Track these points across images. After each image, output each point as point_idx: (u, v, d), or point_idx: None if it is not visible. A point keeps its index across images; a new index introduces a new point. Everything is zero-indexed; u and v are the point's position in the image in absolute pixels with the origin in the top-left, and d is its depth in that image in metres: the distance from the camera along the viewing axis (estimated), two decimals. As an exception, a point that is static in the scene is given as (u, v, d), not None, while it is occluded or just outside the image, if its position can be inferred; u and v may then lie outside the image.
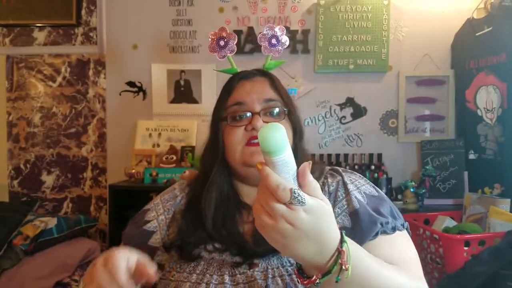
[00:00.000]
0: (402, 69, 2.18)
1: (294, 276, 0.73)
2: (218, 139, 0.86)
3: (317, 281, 0.56)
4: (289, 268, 0.75)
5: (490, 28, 1.87)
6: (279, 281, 0.73)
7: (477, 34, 1.95)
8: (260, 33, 0.96)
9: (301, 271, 0.59)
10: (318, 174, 0.86)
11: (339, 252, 0.55)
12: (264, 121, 0.82)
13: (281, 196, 0.51)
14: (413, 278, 0.67)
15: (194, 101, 2.26)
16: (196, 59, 2.24)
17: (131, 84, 2.27)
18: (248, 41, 2.18)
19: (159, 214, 0.89)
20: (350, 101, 2.22)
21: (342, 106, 2.22)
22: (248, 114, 0.84)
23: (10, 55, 2.29)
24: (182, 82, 2.26)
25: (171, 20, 2.25)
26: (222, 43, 0.95)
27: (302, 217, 0.52)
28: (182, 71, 2.25)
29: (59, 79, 2.29)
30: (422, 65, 2.18)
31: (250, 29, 2.18)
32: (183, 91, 2.26)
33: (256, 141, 0.79)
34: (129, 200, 2.09)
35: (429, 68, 2.18)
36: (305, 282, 0.58)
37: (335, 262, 0.55)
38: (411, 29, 2.17)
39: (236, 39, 0.95)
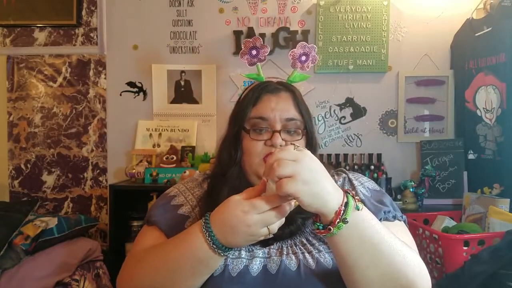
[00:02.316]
0: (402, 70, 2.19)
1: (306, 254, 0.82)
2: (237, 145, 0.92)
3: (341, 215, 0.66)
4: (302, 247, 0.84)
5: (490, 29, 1.88)
6: (293, 258, 0.81)
7: (476, 35, 1.96)
8: (291, 50, 1.00)
9: (319, 226, 0.69)
10: None
11: (347, 191, 0.69)
12: (282, 138, 0.88)
13: (288, 147, 0.69)
14: (410, 248, 0.75)
15: (194, 101, 2.26)
16: (196, 60, 2.24)
17: (131, 84, 2.28)
18: (248, 42, 2.19)
19: (188, 199, 0.94)
20: (349, 101, 2.23)
21: (341, 106, 2.23)
22: (269, 129, 0.89)
23: (11, 55, 2.29)
24: (182, 83, 2.26)
25: (171, 20, 2.25)
26: (254, 52, 1.00)
27: (312, 155, 0.68)
28: (182, 71, 2.25)
29: (60, 79, 2.29)
30: (422, 65, 2.19)
31: (250, 29, 2.19)
32: (183, 92, 2.26)
33: None
34: (130, 200, 2.10)
35: (429, 68, 2.18)
36: (331, 225, 0.67)
37: (347, 197, 0.68)
38: (411, 29, 2.18)
39: (268, 50, 0.98)
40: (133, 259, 0.84)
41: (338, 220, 0.66)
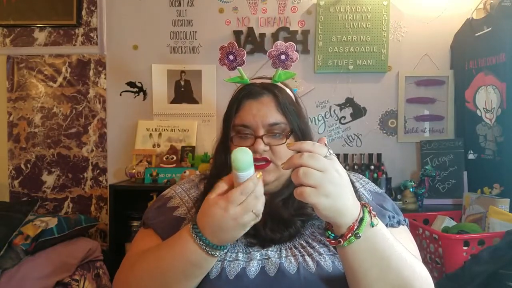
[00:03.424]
0: (402, 70, 2.19)
1: (306, 256, 0.80)
2: (227, 150, 0.91)
3: (355, 230, 0.66)
4: (302, 250, 0.82)
5: (490, 29, 1.88)
6: (292, 260, 0.80)
7: (476, 35, 1.96)
8: (268, 51, 0.98)
9: (330, 235, 0.70)
10: None
11: (365, 205, 0.69)
12: (266, 143, 0.86)
13: (320, 150, 0.65)
14: (417, 259, 0.75)
15: (194, 101, 2.26)
16: (196, 60, 2.24)
17: (131, 84, 2.28)
18: (248, 42, 2.19)
19: (184, 201, 0.93)
20: (349, 101, 2.23)
21: (341, 106, 2.23)
22: (252, 136, 0.88)
23: (11, 55, 2.29)
24: (182, 83, 2.26)
25: (171, 20, 2.25)
26: (231, 57, 0.97)
27: (340, 165, 0.67)
28: (182, 71, 2.26)
29: (60, 79, 2.29)
30: (422, 65, 2.19)
31: (250, 29, 2.19)
32: (183, 91, 2.26)
33: (258, 163, 0.85)
34: (130, 200, 2.10)
35: (429, 68, 2.18)
36: (342, 237, 0.67)
37: (363, 212, 0.68)
38: (411, 29, 2.18)
39: (245, 54, 0.96)
40: (128, 262, 0.84)
41: (350, 234, 0.66)
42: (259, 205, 0.70)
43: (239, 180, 0.69)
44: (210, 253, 0.71)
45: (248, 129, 0.88)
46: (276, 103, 0.90)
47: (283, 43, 0.96)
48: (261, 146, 0.85)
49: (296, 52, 0.96)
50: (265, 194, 0.89)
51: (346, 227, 0.66)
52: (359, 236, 0.66)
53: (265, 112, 0.89)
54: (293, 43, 0.95)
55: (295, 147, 0.67)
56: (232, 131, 0.90)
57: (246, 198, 0.68)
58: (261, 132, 0.87)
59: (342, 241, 0.66)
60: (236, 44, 0.96)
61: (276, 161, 0.86)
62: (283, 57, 0.96)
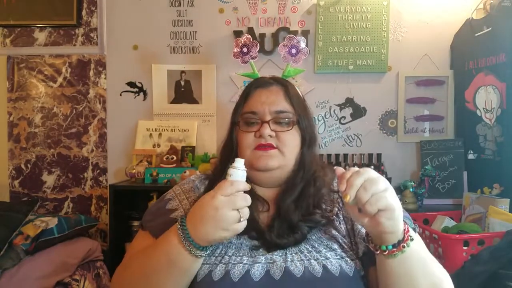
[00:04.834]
0: (402, 70, 2.19)
1: (312, 260, 0.79)
2: (232, 141, 0.94)
3: (410, 235, 0.70)
4: (307, 254, 0.81)
5: (490, 29, 1.88)
6: (298, 264, 0.79)
7: (476, 35, 1.96)
8: (281, 43, 1.00)
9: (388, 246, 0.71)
10: (331, 175, 0.95)
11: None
12: (272, 129, 0.88)
13: (368, 171, 0.70)
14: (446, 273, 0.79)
15: (194, 101, 2.26)
16: (196, 60, 2.24)
17: (131, 84, 2.28)
18: (248, 42, 2.20)
19: (183, 204, 0.93)
20: (349, 102, 2.23)
21: (341, 106, 2.23)
22: (258, 121, 0.90)
23: (11, 55, 2.29)
24: (182, 83, 2.26)
25: (171, 20, 2.25)
26: (245, 50, 1.01)
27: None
28: (183, 71, 2.26)
29: (60, 79, 2.29)
30: (422, 66, 2.19)
31: (250, 29, 2.18)
32: (184, 92, 2.26)
33: (263, 147, 0.88)
34: (130, 200, 2.10)
35: (429, 69, 2.18)
36: (398, 246, 0.69)
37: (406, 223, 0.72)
38: (411, 29, 2.18)
39: (258, 47, 0.99)
40: (123, 264, 0.85)
41: (407, 237, 0.70)
42: (246, 210, 0.72)
43: (231, 176, 0.73)
44: (187, 248, 0.72)
45: (255, 116, 0.90)
46: (285, 93, 0.93)
47: (295, 36, 0.99)
48: (267, 130, 0.87)
49: (306, 47, 0.99)
50: (273, 188, 0.91)
51: (401, 231, 0.69)
52: (413, 239, 0.70)
53: (274, 100, 0.91)
54: (303, 37, 0.98)
55: (344, 183, 0.68)
56: (239, 118, 0.93)
57: (235, 194, 0.71)
58: (268, 117, 0.89)
59: (405, 245, 0.69)
60: (251, 37, 0.99)
61: (282, 148, 0.88)
62: (293, 51, 0.99)
